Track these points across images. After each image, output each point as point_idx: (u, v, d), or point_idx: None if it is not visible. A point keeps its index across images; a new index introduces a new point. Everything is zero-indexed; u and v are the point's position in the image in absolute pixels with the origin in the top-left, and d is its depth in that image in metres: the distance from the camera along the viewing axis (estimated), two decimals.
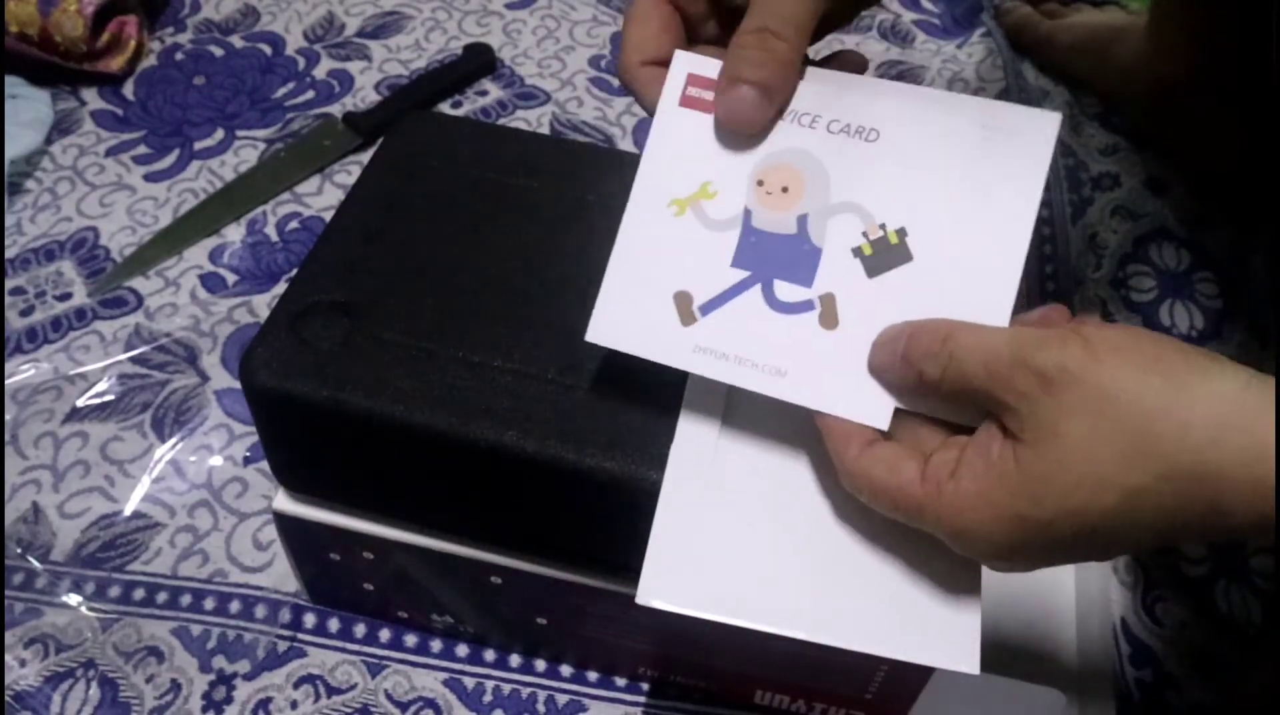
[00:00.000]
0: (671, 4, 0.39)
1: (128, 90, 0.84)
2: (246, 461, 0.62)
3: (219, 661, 0.55)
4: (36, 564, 0.58)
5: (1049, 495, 0.30)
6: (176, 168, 0.78)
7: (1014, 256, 0.35)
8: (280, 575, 0.58)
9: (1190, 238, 0.72)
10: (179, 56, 0.87)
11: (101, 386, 0.65)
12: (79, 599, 0.57)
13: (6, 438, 0.63)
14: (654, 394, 0.40)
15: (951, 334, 0.33)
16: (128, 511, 0.60)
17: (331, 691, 0.54)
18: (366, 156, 0.69)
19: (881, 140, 0.37)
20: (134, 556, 0.59)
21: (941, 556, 0.35)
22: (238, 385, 0.52)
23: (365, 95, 0.84)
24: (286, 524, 0.50)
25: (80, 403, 0.65)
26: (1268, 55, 0.57)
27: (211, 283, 0.71)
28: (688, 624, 0.36)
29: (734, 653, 0.50)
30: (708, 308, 0.37)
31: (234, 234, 0.74)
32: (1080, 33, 0.83)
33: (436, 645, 0.56)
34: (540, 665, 0.55)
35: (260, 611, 0.57)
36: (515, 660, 0.55)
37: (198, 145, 0.80)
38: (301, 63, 0.86)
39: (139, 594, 0.57)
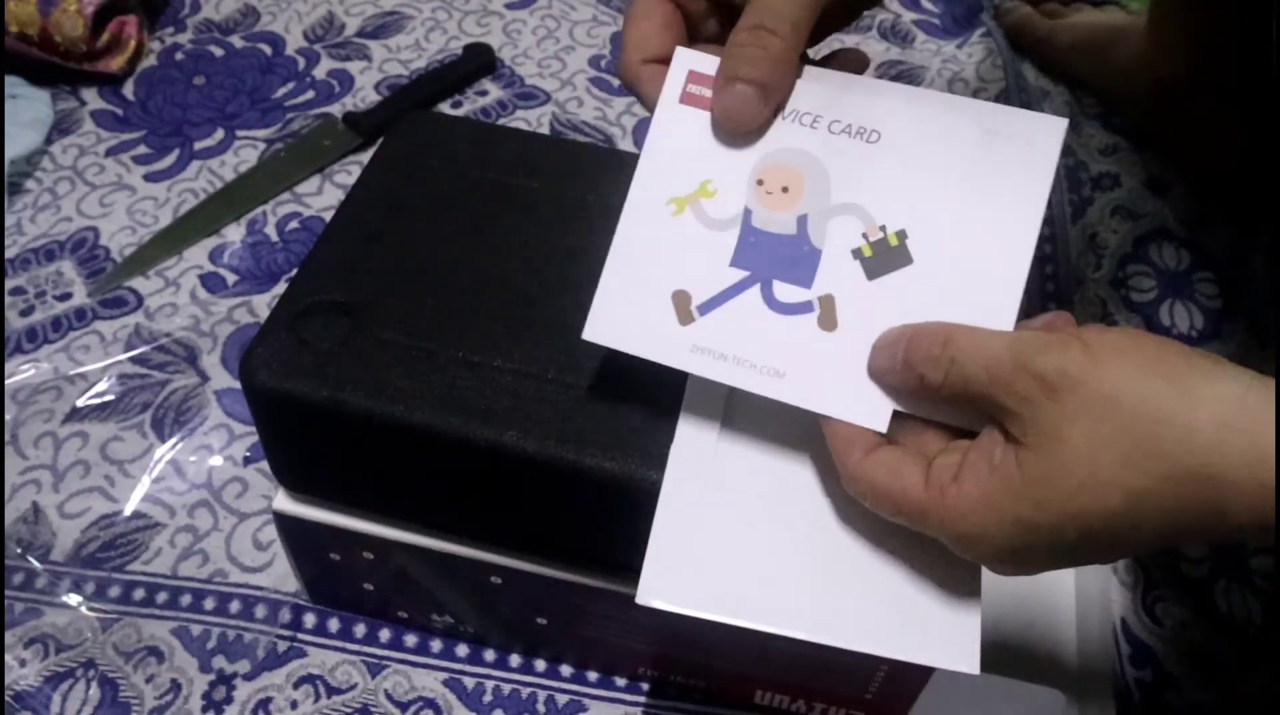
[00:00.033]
0: (672, 2, 0.39)
1: (128, 90, 0.84)
2: (246, 461, 0.62)
3: (219, 661, 0.55)
4: (36, 564, 0.58)
5: (1052, 499, 0.30)
6: (176, 168, 0.78)
7: (1018, 262, 0.35)
8: (280, 575, 0.58)
9: (1190, 238, 0.72)
10: (179, 56, 0.87)
11: (101, 386, 0.65)
12: (79, 599, 0.57)
13: (6, 438, 0.63)
14: (654, 394, 0.40)
15: (952, 338, 0.33)
16: (128, 511, 0.60)
17: (331, 691, 0.54)
18: (366, 156, 0.69)
19: (883, 141, 0.37)
20: (134, 556, 0.59)
21: (941, 556, 0.35)
22: (238, 385, 0.52)
23: (365, 95, 0.84)
24: (286, 524, 0.50)
25: (80, 403, 0.65)
26: (1268, 55, 0.57)
27: (211, 283, 0.71)
28: (688, 624, 0.36)
29: (734, 653, 0.50)
30: (706, 307, 0.37)
31: (234, 234, 0.74)
32: (1080, 33, 0.83)
33: (436, 645, 0.56)
34: (540, 665, 0.55)
35: (260, 611, 0.57)
36: (515, 660, 0.55)
37: (198, 145, 0.80)
38: (301, 63, 0.86)
39: (139, 594, 0.57)
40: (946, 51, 0.89)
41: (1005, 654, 0.53)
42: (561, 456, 0.41)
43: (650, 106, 0.38)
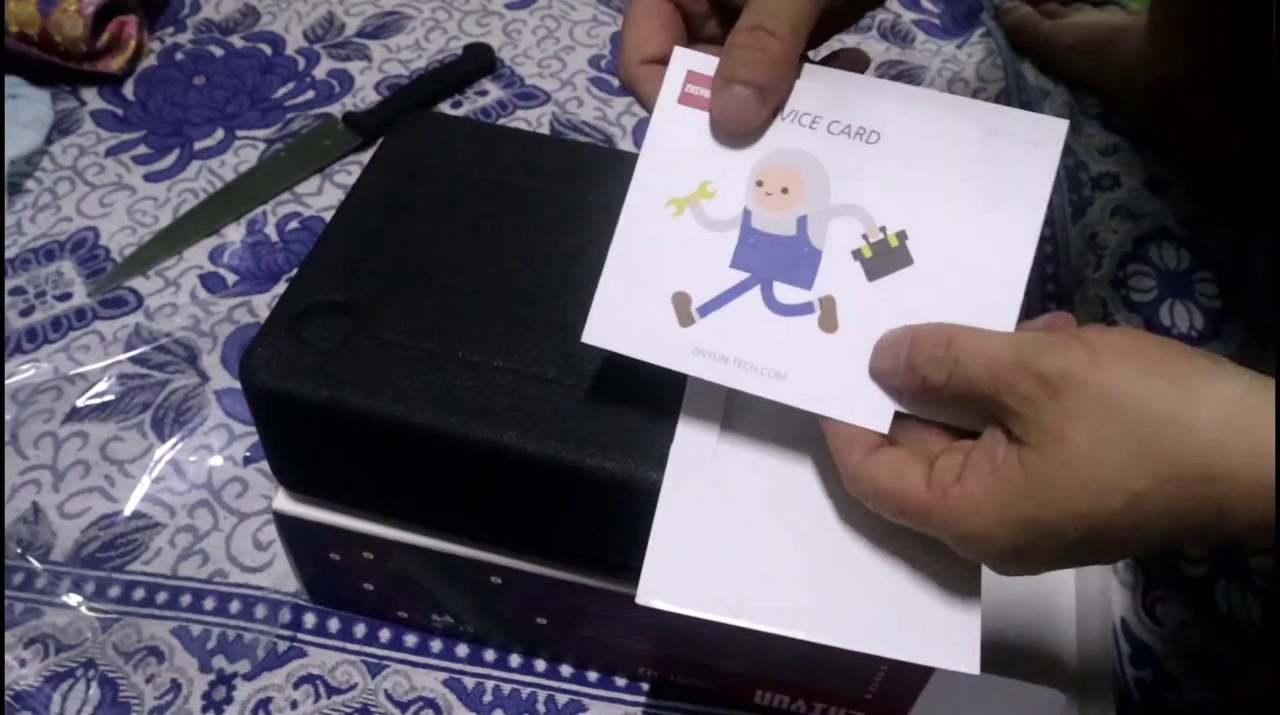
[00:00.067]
0: (672, 2, 0.39)
1: (128, 90, 0.84)
2: (246, 461, 0.62)
3: (219, 661, 0.55)
4: (36, 564, 0.58)
5: (1055, 499, 0.30)
6: (176, 168, 0.78)
7: (1019, 263, 0.35)
8: (280, 575, 0.58)
9: (1190, 238, 0.72)
10: (179, 56, 0.87)
11: (101, 386, 0.65)
12: (79, 599, 0.57)
13: (6, 438, 0.63)
14: (654, 394, 0.40)
15: (955, 339, 0.33)
16: (128, 511, 0.60)
17: (331, 691, 0.54)
18: (366, 156, 0.69)
19: (882, 142, 0.36)
20: (134, 556, 0.59)
21: (941, 556, 0.35)
22: (238, 385, 0.52)
23: (365, 95, 0.84)
24: (286, 524, 0.50)
25: (80, 403, 0.65)
26: (1268, 55, 0.57)
27: (211, 283, 0.71)
28: (688, 624, 0.36)
29: (734, 653, 0.50)
30: (706, 309, 0.37)
31: (234, 234, 0.74)
32: (1080, 33, 0.83)
33: (436, 645, 0.56)
34: (540, 665, 0.55)
35: (260, 611, 0.57)
36: (515, 660, 0.55)
37: (198, 145, 0.80)
38: (301, 63, 0.86)
39: (139, 594, 0.57)
40: (946, 51, 0.88)
41: (1005, 654, 0.53)
42: (561, 456, 0.41)
43: (649, 107, 0.38)
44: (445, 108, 0.83)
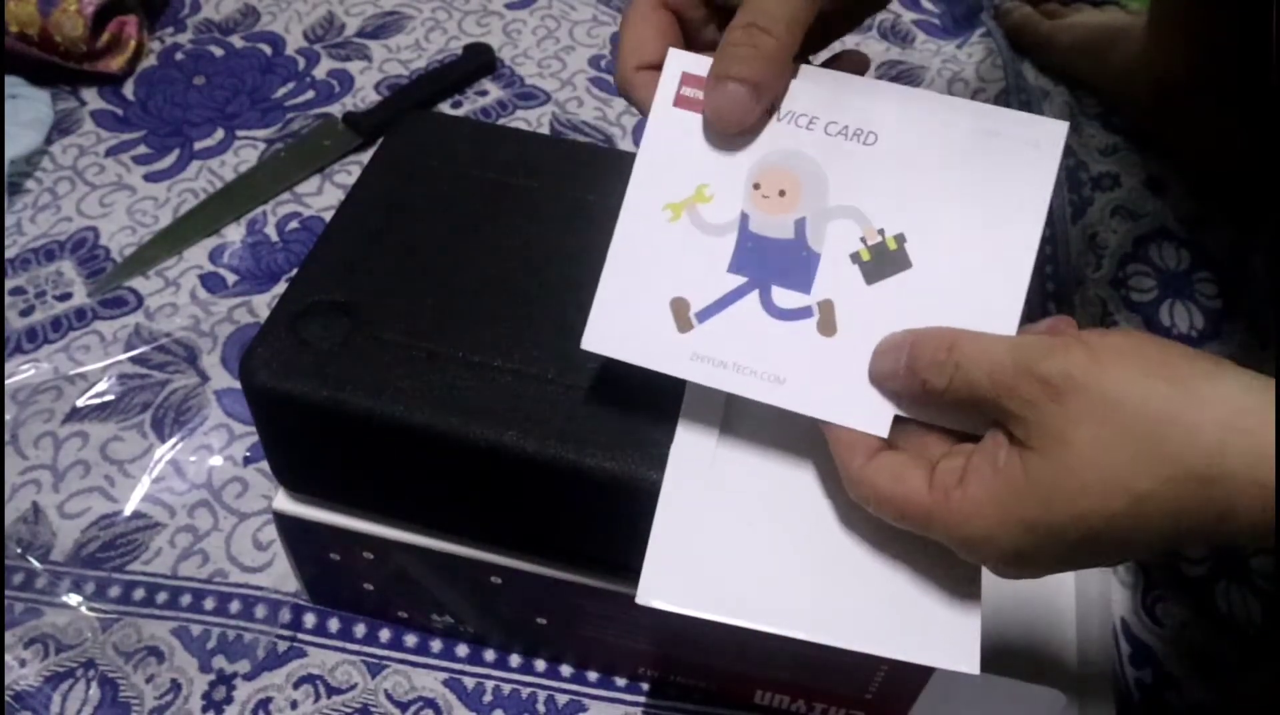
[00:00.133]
0: (668, 8, 0.39)
1: (128, 90, 0.84)
2: (246, 461, 0.62)
3: (219, 661, 0.55)
4: (36, 564, 0.58)
5: (1057, 501, 0.30)
6: (176, 168, 0.78)
7: (1020, 266, 0.35)
8: (280, 575, 0.58)
9: (1190, 238, 0.72)
10: (179, 56, 0.87)
11: (101, 386, 0.65)
12: (79, 599, 0.57)
13: (6, 438, 0.63)
14: (654, 394, 0.40)
15: (956, 343, 0.33)
16: (128, 511, 0.60)
17: (331, 691, 0.54)
18: (366, 156, 0.69)
19: (880, 143, 0.36)
20: (134, 556, 0.59)
21: (941, 557, 0.35)
22: (238, 385, 0.52)
23: (365, 95, 0.84)
24: (286, 524, 0.50)
25: (80, 403, 0.65)
26: (1268, 55, 0.57)
27: (211, 283, 0.71)
28: (688, 624, 0.36)
29: (734, 653, 0.50)
30: (705, 314, 0.37)
31: (234, 234, 0.74)
32: (1080, 33, 0.83)
33: (436, 645, 0.56)
34: (540, 665, 0.55)
35: (260, 611, 0.57)
36: (515, 660, 0.55)
37: (198, 145, 0.80)
38: (301, 63, 0.86)
39: (139, 594, 0.57)
40: (946, 51, 0.88)
41: (1005, 654, 0.53)
42: (561, 456, 0.41)
43: (645, 113, 0.38)
44: (445, 108, 0.83)
